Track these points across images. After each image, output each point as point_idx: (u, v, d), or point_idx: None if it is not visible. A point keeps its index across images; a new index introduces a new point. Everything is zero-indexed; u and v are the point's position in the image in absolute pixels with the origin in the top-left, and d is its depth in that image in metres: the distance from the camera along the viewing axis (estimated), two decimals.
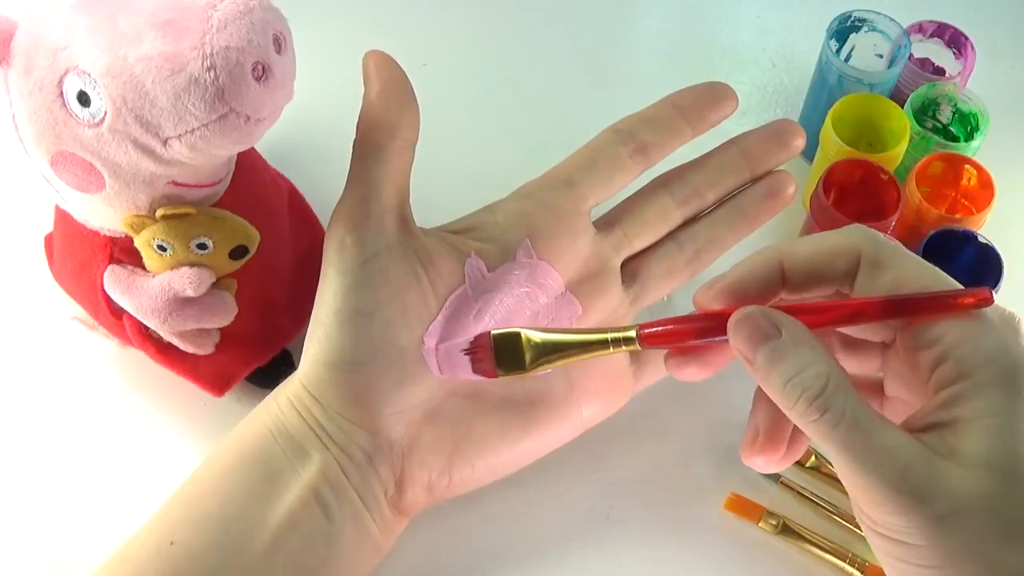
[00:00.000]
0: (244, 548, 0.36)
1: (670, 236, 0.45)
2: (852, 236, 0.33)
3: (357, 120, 0.39)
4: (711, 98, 0.44)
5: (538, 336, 0.37)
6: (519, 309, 0.41)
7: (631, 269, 0.44)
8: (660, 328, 0.35)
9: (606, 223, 0.44)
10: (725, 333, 0.33)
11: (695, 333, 0.35)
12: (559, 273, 0.42)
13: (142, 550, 0.36)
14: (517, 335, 0.37)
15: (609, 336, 0.36)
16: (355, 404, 0.38)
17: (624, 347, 0.36)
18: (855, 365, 0.37)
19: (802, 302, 0.34)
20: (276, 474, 0.37)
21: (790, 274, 0.34)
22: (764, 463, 0.35)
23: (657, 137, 0.43)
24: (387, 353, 0.38)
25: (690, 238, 0.44)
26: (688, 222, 0.45)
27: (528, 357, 0.37)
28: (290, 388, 0.39)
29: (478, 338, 0.38)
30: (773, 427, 0.35)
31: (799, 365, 0.31)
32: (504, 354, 0.37)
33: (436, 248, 0.40)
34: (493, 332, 0.38)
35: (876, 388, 0.36)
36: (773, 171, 0.45)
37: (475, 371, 0.38)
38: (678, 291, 0.46)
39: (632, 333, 0.35)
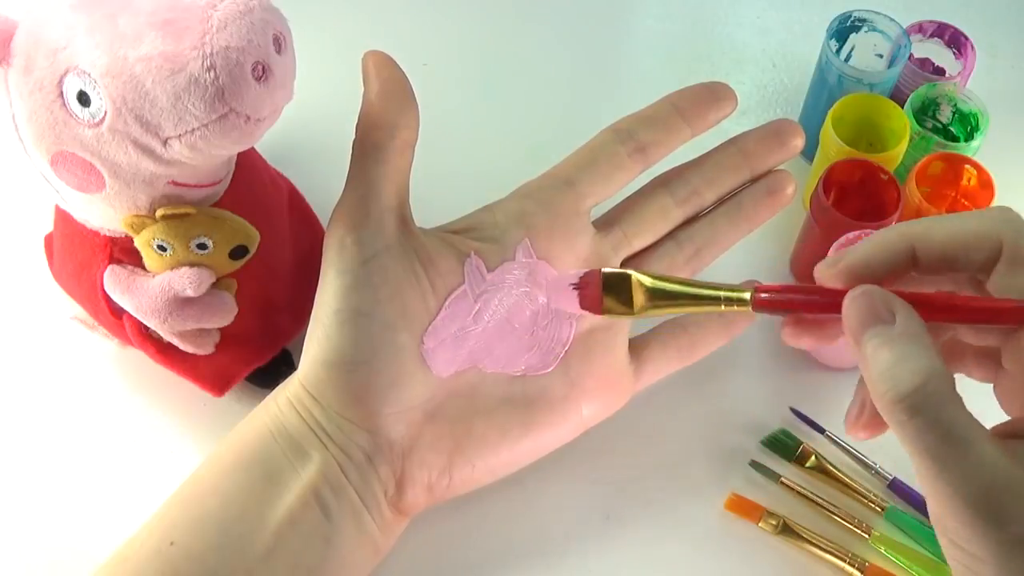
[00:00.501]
0: (244, 548, 0.36)
1: (670, 235, 0.45)
2: (995, 223, 0.31)
3: (356, 120, 0.39)
4: (710, 98, 0.44)
5: (648, 281, 0.37)
6: (519, 309, 0.41)
7: (631, 268, 0.44)
8: (775, 295, 0.34)
9: (605, 223, 0.44)
10: (839, 311, 0.32)
11: (810, 306, 0.33)
12: (558, 273, 0.42)
13: (142, 550, 0.36)
14: (627, 277, 0.37)
15: (723, 294, 0.35)
16: (354, 404, 0.38)
17: (736, 307, 0.35)
18: (972, 333, 0.35)
19: (933, 293, 0.33)
20: (276, 474, 0.37)
21: (922, 258, 0.32)
22: (867, 436, 0.34)
23: (656, 136, 0.43)
24: (386, 353, 0.38)
25: (689, 237, 0.44)
26: (688, 221, 0.45)
27: (637, 300, 0.37)
28: (290, 388, 0.39)
29: (588, 273, 0.39)
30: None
31: (898, 358, 0.29)
32: (613, 293, 0.38)
33: (436, 248, 0.40)
34: (604, 270, 0.38)
35: (993, 355, 0.34)
36: (773, 170, 0.45)
37: (582, 305, 0.39)
38: None
39: (746, 295, 0.34)
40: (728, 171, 0.44)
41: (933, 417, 0.28)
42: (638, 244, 0.44)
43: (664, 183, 0.44)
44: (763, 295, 0.34)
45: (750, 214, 0.45)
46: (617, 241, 0.44)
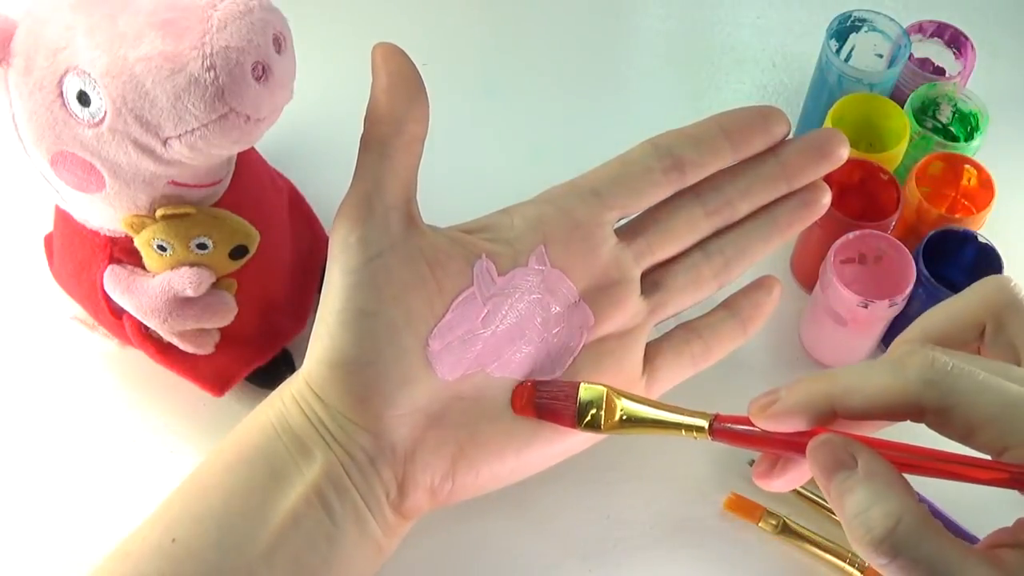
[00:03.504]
0: (245, 547, 0.36)
1: (698, 245, 0.43)
2: (910, 386, 0.30)
3: (364, 114, 0.39)
4: (760, 123, 0.43)
5: (622, 405, 0.39)
6: (530, 315, 0.41)
7: (654, 278, 0.43)
8: (735, 428, 0.36)
9: (630, 231, 0.43)
10: (798, 449, 0.33)
11: (768, 443, 0.35)
12: (572, 281, 0.41)
13: (144, 546, 0.36)
14: (603, 394, 0.39)
15: (684, 420, 0.37)
16: (358, 405, 0.38)
17: (695, 434, 0.37)
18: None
19: (904, 445, 0.32)
20: (279, 471, 0.37)
21: (843, 414, 0.32)
22: (783, 485, 0.36)
23: (696, 156, 0.42)
24: (390, 354, 0.38)
25: (719, 249, 0.43)
26: (717, 232, 0.44)
27: (607, 422, 0.38)
28: (294, 385, 0.39)
29: (567, 386, 0.39)
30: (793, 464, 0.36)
31: (867, 502, 0.29)
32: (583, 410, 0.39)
33: (445, 248, 0.40)
34: (583, 385, 0.39)
35: None
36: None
37: (549, 417, 0.39)
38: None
39: (704, 424, 0.37)
40: (765, 183, 0.43)
41: (912, 556, 0.28)
42: (662, 255, 0.43)
43: (695, 192, 0.43)
44: (721, 425, 0.36)
45: (783, 227, 0.43)
46: (639, 251, 0.42)
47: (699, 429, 0.37)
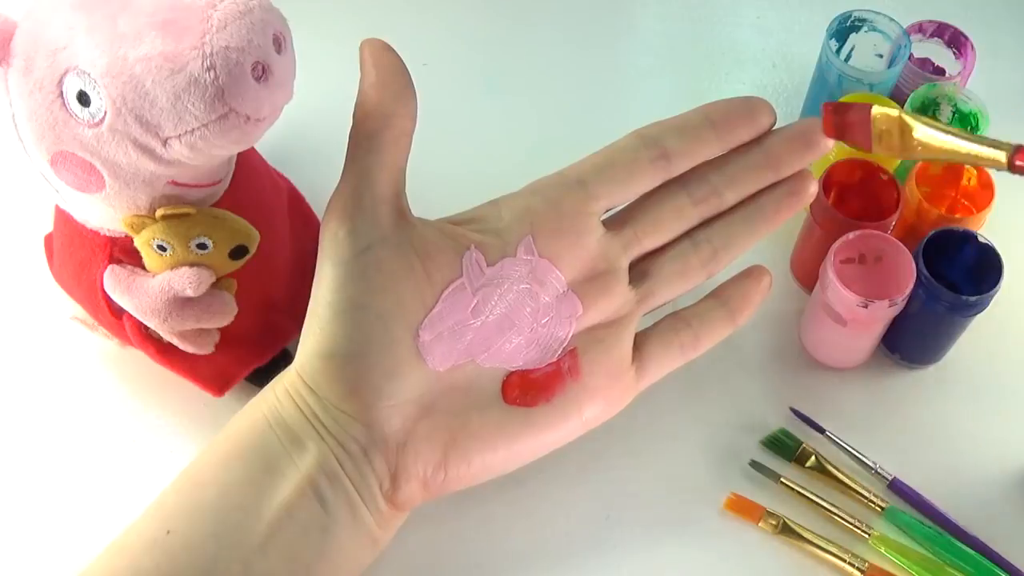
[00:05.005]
0: (241, 539, 0.36)
1: (686, 235, 0.44)
2: None
3: (353, 110, 0.39)
4: (746, 113, 0.43)
5: (918, 132, 0.38)
6: (519, 305, 0.41)
7: (642, 268, 0.44)
8: None
9: (618, 221, 0.43)
10: None
11: None
12: (560, 271, 0.42)
13: (139, 540, 0.36)
14: (896, 119, 0.39)
15: (980, 152, 0.36)
16: (350, 396, 0.38)
17: (989, 166, 0.36)
18: None
19: None
20: (273, 464, 0.37)
21: None
22: None
23: (683, 146, 0.42)
24: (381, 345, 0.38)
25: (707, 238, 0.44)
26: (705, 222, 0.44)
27: (907, 143, 0.38)
28: (287, 379, 0.39)
29: (859, 107, 0.40)
30: None
31: None
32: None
33: (434, 239, 0.40)
34: (875, 109, 0.39)
35: None
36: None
37: (847, 138, 0.40)
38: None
39: (1002, 156, 0.35)
40: (751, 172, 0.43)
41: None
42: (650, 244, 0.43)
43: (682, 182, 0.43)
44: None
45: (770, 216, 0.44)
46: (627, 241, 0.43)
47: (995, 161, 0.35)
